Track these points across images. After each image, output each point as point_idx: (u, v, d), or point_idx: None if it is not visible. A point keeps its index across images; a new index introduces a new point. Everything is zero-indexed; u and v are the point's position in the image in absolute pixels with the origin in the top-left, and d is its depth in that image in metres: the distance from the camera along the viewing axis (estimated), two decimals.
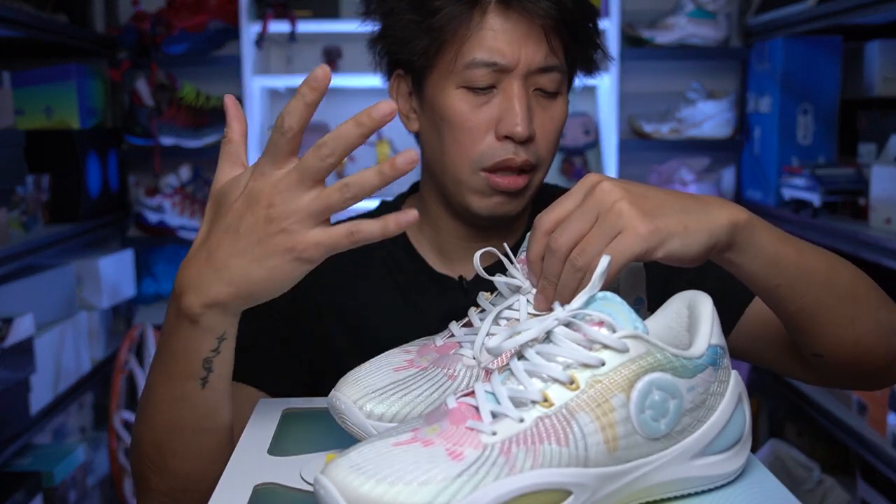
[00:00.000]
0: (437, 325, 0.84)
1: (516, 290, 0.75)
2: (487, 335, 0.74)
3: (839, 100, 2.40)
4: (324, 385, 0.84)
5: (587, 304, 0.62)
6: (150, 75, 2.53)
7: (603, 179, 0.72)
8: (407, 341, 0.81)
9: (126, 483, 2.48)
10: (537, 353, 0.61)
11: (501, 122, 0.95)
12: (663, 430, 0.60)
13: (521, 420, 0.58)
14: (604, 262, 0.63)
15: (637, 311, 0.62)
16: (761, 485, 0.66)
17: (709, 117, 2.62)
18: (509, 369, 0.61)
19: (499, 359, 0.72)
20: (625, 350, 0.60)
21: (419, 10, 0.95)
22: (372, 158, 2.74)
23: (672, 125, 2.64)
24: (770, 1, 2.48)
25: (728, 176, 2.73)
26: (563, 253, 0.70)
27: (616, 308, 0.61)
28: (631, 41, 2.66)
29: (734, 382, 0.65)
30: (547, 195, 1.00)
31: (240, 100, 2.55)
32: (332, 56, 2.71)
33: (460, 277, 1.05)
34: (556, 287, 0.71)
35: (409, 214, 0.69)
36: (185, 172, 2.63)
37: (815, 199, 2.11)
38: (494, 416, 0.58)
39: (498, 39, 0.94)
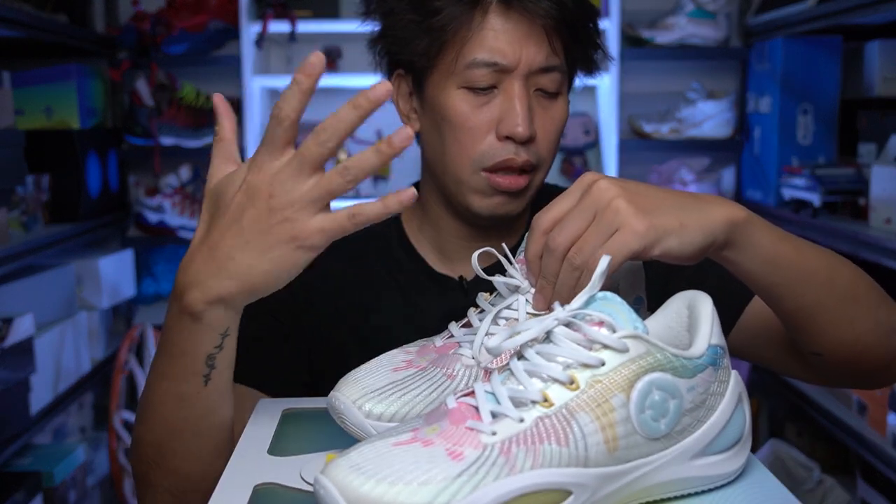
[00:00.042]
0: (437, 326, 0.84)
1: (515, 289, 0.75)
2: (486, 335, 0.74)
3: (839, 100, 2.40)
4: (324, 385, 0.84)
5: (587, 303, 0.62)
6: (150, 75, 2.53)
7: (600, 178, 0.72)
8: (407, 341, 0.81)
9: (126, 483, 2.48)
10: (537, 353, 0.61)
11: (502, 123, 0.95)
12: (663, 430, 0.60)
13: (521, 420, 0.58)
14: (604, 262, 0.63)
15: (637, 310, 0.62)
16: (761, 485, 0.66)
17: (709, 117, 2.62)
18: (509, 369, 0.61)
19: (498, 359, 0.72)
20: (625, 350, 0.60)
21: (419, 11, 0.95)
22: None
23: (672, 125, 2.64)
24: (770, 1, 2.48)
25: (728, 176, 2.73)
26: (561, 252, 0.70)
27: (616, 308, 0.61)
28: (631, 41, 2.65)
29: (734, 382, 0.65)
30: (547, 195, 0.99)
31: (240, 100, 2.56)
32: (332, 56, 2.71)
33: (460, 277, 1.05)
34: (554, 286, 0.71)
35: (409, 192, 0.69)
36: (185, 172, 2.63)
37: (815, 199, 2.11)
38: (494, 416, 0.58)
39: (499, 40, 0.94)
